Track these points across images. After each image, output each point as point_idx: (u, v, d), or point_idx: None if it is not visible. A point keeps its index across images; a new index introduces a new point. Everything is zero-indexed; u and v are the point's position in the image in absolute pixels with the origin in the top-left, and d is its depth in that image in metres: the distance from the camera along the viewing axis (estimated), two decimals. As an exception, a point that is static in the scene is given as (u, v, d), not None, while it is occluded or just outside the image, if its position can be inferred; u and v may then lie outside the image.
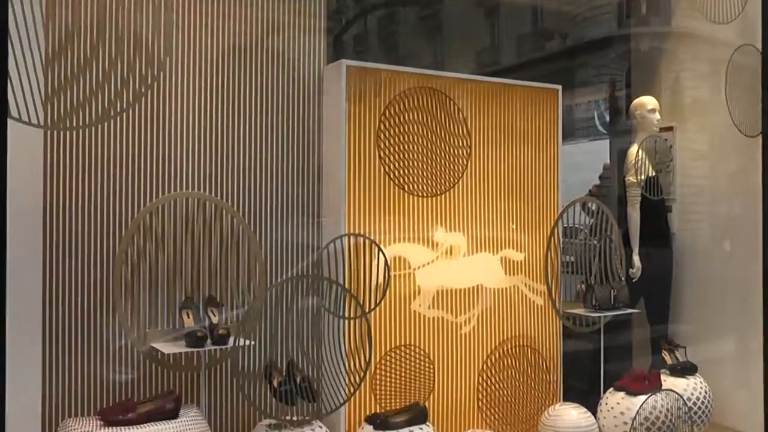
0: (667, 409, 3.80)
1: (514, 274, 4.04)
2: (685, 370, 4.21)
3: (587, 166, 5.38)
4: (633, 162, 4.48)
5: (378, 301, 3.55)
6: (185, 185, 3.38)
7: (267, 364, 3.40)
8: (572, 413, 3.89)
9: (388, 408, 3.58)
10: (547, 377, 4.15)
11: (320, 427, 3.30)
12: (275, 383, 3.27)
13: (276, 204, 3.60)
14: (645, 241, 4.57)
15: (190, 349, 3.08)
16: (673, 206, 4.81)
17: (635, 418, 3.69)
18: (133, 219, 3.22)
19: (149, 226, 3.26)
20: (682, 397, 3.87)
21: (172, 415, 2.97)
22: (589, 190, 5.08)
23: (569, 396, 4.18)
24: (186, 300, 3.28)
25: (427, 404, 3.73)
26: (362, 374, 3.45)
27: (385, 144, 3.65)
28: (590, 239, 4.23)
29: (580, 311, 4.16)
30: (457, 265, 3.86)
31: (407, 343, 3.71)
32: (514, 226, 4.03)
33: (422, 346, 3.76)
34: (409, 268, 3.72)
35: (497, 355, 3.98)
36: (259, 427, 3.27)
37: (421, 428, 3.31)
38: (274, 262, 3.57)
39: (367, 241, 3.55)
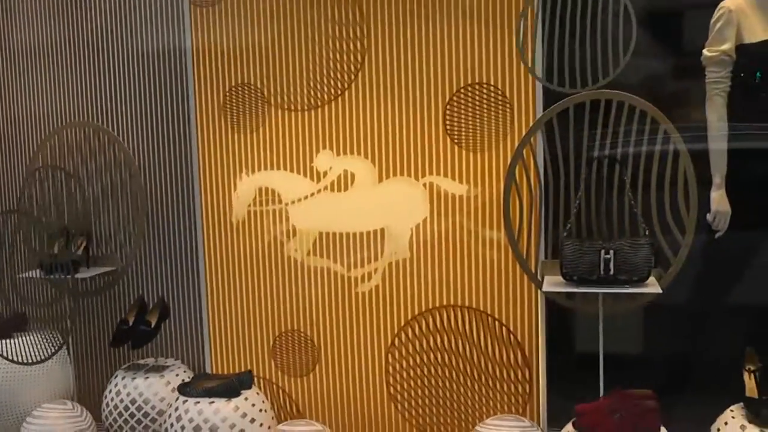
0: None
1: (451, 213, 2.74)
2: (772, 411, 2.26)
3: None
4: (714, 21, 2.49)
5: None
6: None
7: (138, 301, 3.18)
8: (513, 434, 2.51)
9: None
10: (517, 366, 2.73)
11: (185, 371, 3.02)
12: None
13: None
14: (746, 164, 2.54)
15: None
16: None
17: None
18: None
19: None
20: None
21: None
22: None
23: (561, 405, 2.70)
24: (58, 230, 3.28)
25: (306, 380, 2.92)
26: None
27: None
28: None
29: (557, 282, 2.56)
30: (352, 198, 2.82)
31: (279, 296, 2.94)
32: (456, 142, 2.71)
33: (298, 303, 2.92)
34: (280, 202, 2.90)
35: (414, 327, 2.81)
36: (120, 371, 3.10)
37: (228, 401, 2.61)
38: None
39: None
